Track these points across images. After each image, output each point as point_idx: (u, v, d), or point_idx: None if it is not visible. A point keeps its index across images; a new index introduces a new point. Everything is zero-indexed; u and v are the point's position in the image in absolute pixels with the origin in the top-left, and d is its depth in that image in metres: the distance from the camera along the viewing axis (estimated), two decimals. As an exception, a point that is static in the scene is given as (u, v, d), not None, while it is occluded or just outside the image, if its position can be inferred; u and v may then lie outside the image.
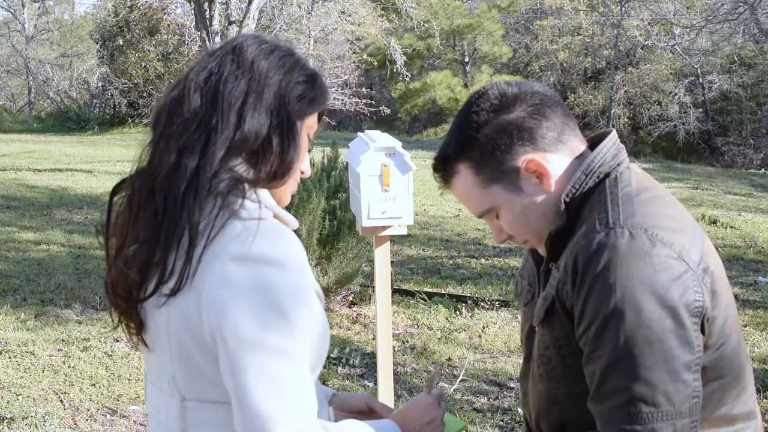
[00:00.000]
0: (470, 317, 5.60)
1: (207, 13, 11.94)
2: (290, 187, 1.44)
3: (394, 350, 4.65)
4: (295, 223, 1.40)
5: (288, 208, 1.50)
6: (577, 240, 1.32)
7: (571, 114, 1.43)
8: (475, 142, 1.37)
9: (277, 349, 1.26)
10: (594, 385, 1.28)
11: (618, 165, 1.38)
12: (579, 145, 1.41)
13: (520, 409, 4.06)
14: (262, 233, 1.29)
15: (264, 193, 1.38)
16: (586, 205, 1.36)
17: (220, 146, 1.33)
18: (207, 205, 1.31)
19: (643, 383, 1.22)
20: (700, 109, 23.21)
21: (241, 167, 1.35)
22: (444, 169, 1.42)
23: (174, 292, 1.30)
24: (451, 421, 1.62)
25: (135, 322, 1.39)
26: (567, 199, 1.36)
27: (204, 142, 1.33)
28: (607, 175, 1.37)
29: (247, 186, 1.34)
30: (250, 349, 1.26)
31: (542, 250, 1.45)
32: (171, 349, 1.36)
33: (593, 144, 1.43)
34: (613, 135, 1.42)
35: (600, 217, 1.31)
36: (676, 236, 1.29)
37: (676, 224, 1.32)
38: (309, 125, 1.44)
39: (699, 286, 1.27)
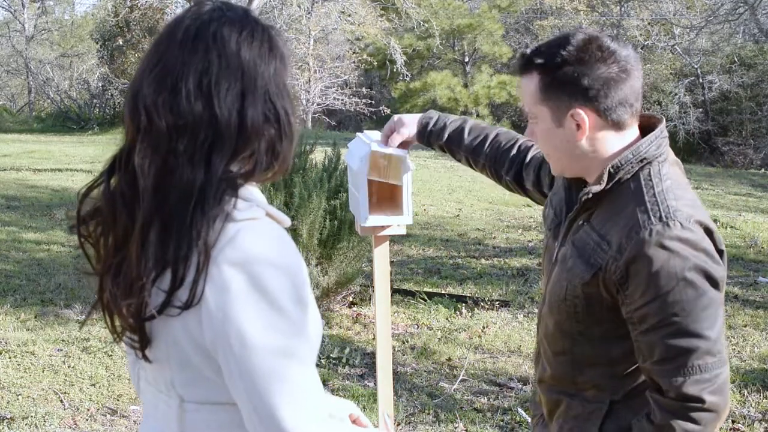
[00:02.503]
0: (470, 317, 5.60)
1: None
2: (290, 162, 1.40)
3: (394, 350, 4.65)
4: (287, 221, 1.37)
5: (288, 209, 1.50)
6: (632, 225, 1.54)
7: (641, 89, 1.62)
8: (556, 70, 1.57)
9: (284, 350, 1.26)
10: (659, 351, 1.54)
11: (660, 155, 1.61)
12: (632, 121, 1.62)
13: (519, 409, 4.07)
14: (256, 234, 1.27)
15: (255, 189, 1.36)
16: (628, 182, 1.59)
17: (225, 155, 1.29)
18: (211, 214, 1.26)
19: (706, 340, 1.52)
20: (700, 109, 23.20)
21: (236, 165, 1.30)
22: (524, 65, 1.63)
23: (187, 306, 1.26)
24: None
25: (142, 338, 1.33)
26: (612, 170, 1.59)
27: (207, 151, 1.28)
28: (650, 162, 1.59)
29: (239, 182, 1.30)
30: (258, 354, 1.24)
31: (555, 170, 1.70)
32: (169, 355, 1.33)
33: (642, 125, 1.65)
34: (663, 125, 1.64)
35: (653, 209, 1.54)
36: (710, 223, 1.56)
37: (705, 213, 1.59)
38: (291, 95, 1.39)
39: (724, 264, 1.58)
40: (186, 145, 1.27)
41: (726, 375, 1.56)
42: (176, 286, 1.26)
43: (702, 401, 1.53)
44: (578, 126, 1.59)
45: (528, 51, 1.63)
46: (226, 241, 1.26)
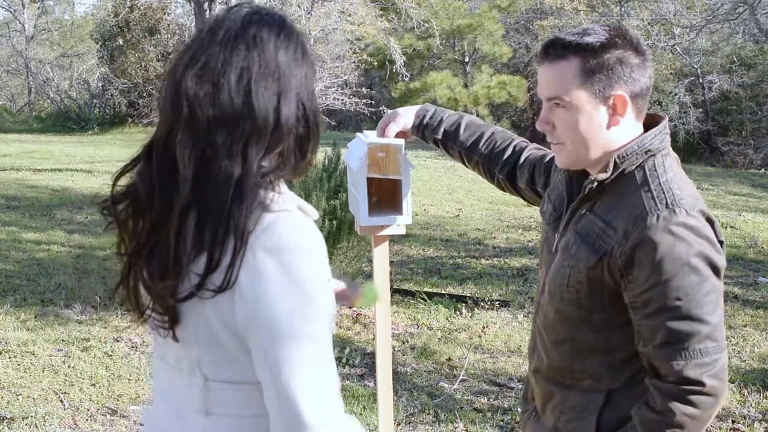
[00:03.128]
0: (470, 317, 5.60)
1: (207, 13, 11.94)
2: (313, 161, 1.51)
3: (394, 350, 4.65)
4: (315, 214, 1.46)
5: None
6: (639, 211, 1.57)
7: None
8: (600, 54, 1.60)
9: (310, 336, 1.33)
10: (661, 334, 1.57)
11: (663, 149, 1.67)
12: (644, 113, 1.69)
13: (519, 409, 4.06)
14: (290, 224, 1.35)
15: (284, 185, 1.44)
16: (633, 173, 1.64)
17: (259, 149, 1.36)
18: (250, 203, 1.34)
19: (707, 325, 1.56)
20: (700, 109, 23.18)
21: (269, 162, 1.39)
22: (558, 51, 1.63)
23: (222, 289, 1.32)
24: (369, 290, 1.89)
25: (171, 317, 1.39)
26: (618, 161, 1.63)
27: (244, 145, 1.35)
28: (654, 154, 1.65)
29: (273, 178, 1.39)
30: (285, 339, 1.31)
31: (565, 161, 1.71)
32: (198, 335, 1.39)
33: (644, 122, 1.70)
34: (666, 121, 1.70)
35: (659, 196, 1.58)
36: (711, 214, 1.60)
37: (705, 204, 1.62)
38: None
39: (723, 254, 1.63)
40: (224, 137, 1.35)
41: (725, 361, 1.59)
42: (211, 270, 1.32)
43: (702, 384, 1.56)
44: (614, 110, 1.63)
45: (560, 37, 1.65)
46: (262, 229, 1.33)
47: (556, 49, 1.64)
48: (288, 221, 1.36)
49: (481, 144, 2.10)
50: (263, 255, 1.32)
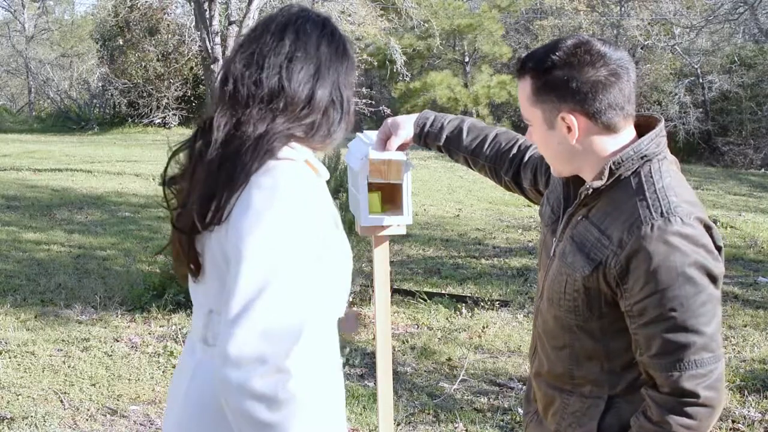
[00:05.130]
0: (470, 317, 5.60)
1: (207, 13, 11.94)
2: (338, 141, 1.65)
3: (394, 350, 4.65)
4: (325, 173, 1.63)
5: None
6: (633, 220, 1.56)
7: (633, 92, 1.64)
8: (546, 74, 1.61)
9: (274, 271, 1.41)
10: (657, 344, 1.56)
11: (659, 153, 1.64)
12: (625, 124, 1.63)
13: (520, 409, 4.06)
14: (287, 170, 1.50)
15: (307, 148, 1.60)
16: (628, 179, 1.62)
17: (289, 119, 1.53)
18: (258, 152, 1.50)
19: (703, 335, 1.54)
20: (700, 109, 23.18)
21: (298, 129, 1.55)
22: (521, 68, 1.67)
23: (220, 220, 1.48)
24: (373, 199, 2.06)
25: (192, 253, 1.55)
26: (613, 167, 1.61)
27: (272, 116, 1.52)
28: (650, 160, 1.62)
29: (295, 137, 1.55)
30: (250, 268, 1.40)
31: (554, 172, 1.73)
32: (209, 269, 1.54)
33: (641, 124, 1.68)
34: (662, 125, 1.67)
35: (654, 205, 1.56)
36: (708, 221, 1.58)
37: (703, 210, 1.61)
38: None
39: (722, 260, 1.61)
40: (258, 110, 1.52)
41: (721, 371, 1.58)
42: (219, 207, 1.48)
43: (697, 396, 1.55)
44: (569, 129, 1.62)
45: (523, 55, 1.68)
46: (263, 171, 1.49)
47: (519, 68, 1.68)
48: (287, 167, 1.51)
49: (486, 147, 2.10)
50: (257, 191, 1.46)
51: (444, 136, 2.13)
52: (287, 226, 1.43)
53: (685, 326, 1.54)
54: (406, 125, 2.14)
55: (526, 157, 2.05)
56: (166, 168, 1.63)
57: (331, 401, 1.64)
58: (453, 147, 2.13)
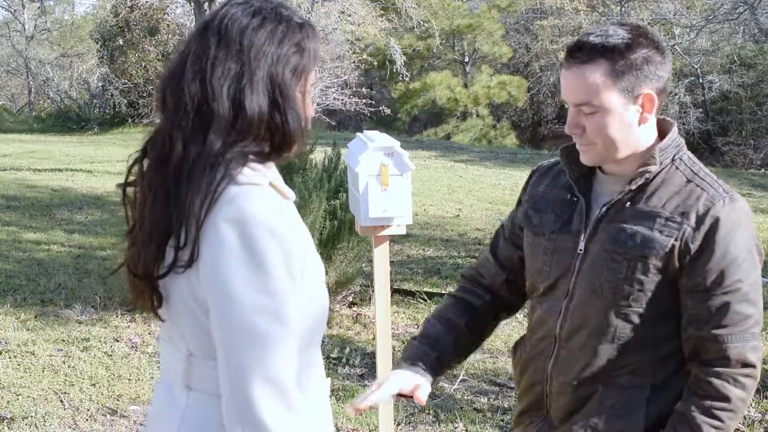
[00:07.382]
0: (470, 317, 5.59)
1: (207, 13, 11.94)
2: (300, 145, 1.46)
3: (394, 350, 4.65)
4: (291, 195, 1.45)
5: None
6: (704, 199, 1.63)
7: None
8: (629, 54, 1.62)
9: (265, 309, 1.31)
10: (722, 316, 1.61)
11: (682, 149, 1.73)
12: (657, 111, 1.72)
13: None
14: (253, 197, 1.35)
15: (270, 165, 1.43)
16: (671, 165, 1.69)
17: (221, 132, 1.35)
18: (213, 178, 1.34)
19: (758, 309, 1.64)
20: (700, 109, 23.18)
21: (251, 145, 1.38)
22: (585, 54, 1.63)
23: (190, 263, 1.34)
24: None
25: (156, 298, 1.43)
26: (659, 154, 1.67)
27: (204, 129, 1.36)
28: (681, 149, 1.72)
29: (252, 157, 1.38)
30: (235, 307, 1.31)
31: (593, 160, 1.71)
32: (179, 311, 1.42)
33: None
34: (676, 128, 1.75)
35: (713, 185, 1.66)
36: None
37: None
38: (308, 83, 1.45)
39: None
40: (185, 121, 1.36)
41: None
42: (179, 246, 1.35)
43: (754, 366, 1.63)
44: (644, 108, 1.66)
45: (586, 40, 1.65)
46: (225, 201, 1.34)
47: (583, 53, 1.64)
48: (252, 194, 1.35)
49: (472, 323, 1.98)
50: (225, 226, 1.32)
51: (447, 360, 1.95)
52: (269, 263, 1.31)
53: (748, 298, 1.63)
54: (417, 378, 1.89)
55: (496, 268, 2.03)
56: (126, 177, 1.48)
57: (319, 426, 1.57)
58: (454, 362, 2.00)
